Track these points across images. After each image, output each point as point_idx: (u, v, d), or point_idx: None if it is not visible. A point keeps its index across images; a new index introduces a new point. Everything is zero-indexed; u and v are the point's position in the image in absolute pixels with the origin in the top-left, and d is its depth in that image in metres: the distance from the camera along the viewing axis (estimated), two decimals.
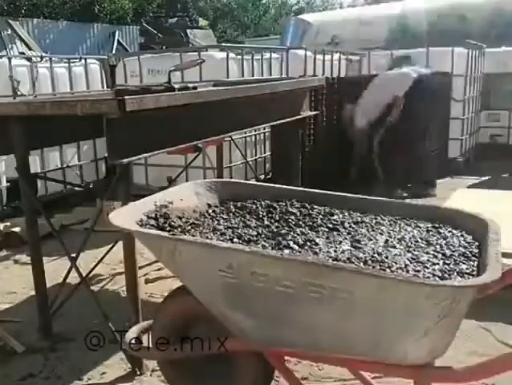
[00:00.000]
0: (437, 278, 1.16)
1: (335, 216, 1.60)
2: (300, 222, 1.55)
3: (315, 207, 1.66)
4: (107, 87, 5.12)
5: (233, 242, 1.39)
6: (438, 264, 1.23)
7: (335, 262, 1.17)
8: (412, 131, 4.32)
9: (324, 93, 4.23)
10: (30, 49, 7.88)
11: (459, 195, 3.55)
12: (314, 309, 1.21)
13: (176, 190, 1.76)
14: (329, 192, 1.72)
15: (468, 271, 1.20)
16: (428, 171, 4.60)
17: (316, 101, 4.12)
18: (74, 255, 2.12)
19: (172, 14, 10.05)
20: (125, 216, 1.47)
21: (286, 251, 1.33)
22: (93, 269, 2.20)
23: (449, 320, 1.11)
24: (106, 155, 1.78)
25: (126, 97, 1.64)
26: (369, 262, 1.23)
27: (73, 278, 2.23)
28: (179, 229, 1.51)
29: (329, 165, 4.37)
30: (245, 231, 1.49)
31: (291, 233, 1.46)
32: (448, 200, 3.19)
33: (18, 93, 4.22)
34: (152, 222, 1.52)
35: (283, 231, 1.48)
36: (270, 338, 1.36)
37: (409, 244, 1.37)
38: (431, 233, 1.46)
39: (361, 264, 1.23)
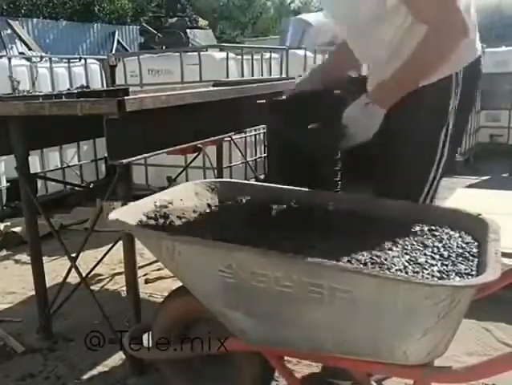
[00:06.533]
0: (436, 279, 1.16)
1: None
2: (299, 222, 1.55)
3: (314, 206, 1.66)
4: (107, 87, 5.13)
5: (232, 242, 1.38)
6: (436, 265, 1.23)
7: (335, 263, 1.17)
8: None
9: None
10: (30, 49, 7.87)
11: (459, 195, 3.55)
12: (314, 309, 1.21)
13: (176, 190, 1.76)
14: (329, 192, 1.72)
15: (467, 271, 1.20)
16: None
17: None
18: (74, 255, 2.12)
19: (172, 14, 10.03)
20: (125, 216, 1.47)
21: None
22: (93, 269, 2.20)
23: (449, 320, 1.11)
24: (106, 155, 1.78)
25: (126, 97, 1.64)
26: (369, 264, 1.23)
27: (73, 278, 2.23)
28: (178, 229, 1.50)
29: None
30: (244, 231, 1.49)
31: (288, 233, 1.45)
32: (447, 200, 3.19)
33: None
34: (152, 222, 1.52)
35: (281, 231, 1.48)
36: (270, 338, 1.36)
37: (407, 245, 1.37)
38: (429, 233, 1.46)
39: (361, 265, 1.23)
